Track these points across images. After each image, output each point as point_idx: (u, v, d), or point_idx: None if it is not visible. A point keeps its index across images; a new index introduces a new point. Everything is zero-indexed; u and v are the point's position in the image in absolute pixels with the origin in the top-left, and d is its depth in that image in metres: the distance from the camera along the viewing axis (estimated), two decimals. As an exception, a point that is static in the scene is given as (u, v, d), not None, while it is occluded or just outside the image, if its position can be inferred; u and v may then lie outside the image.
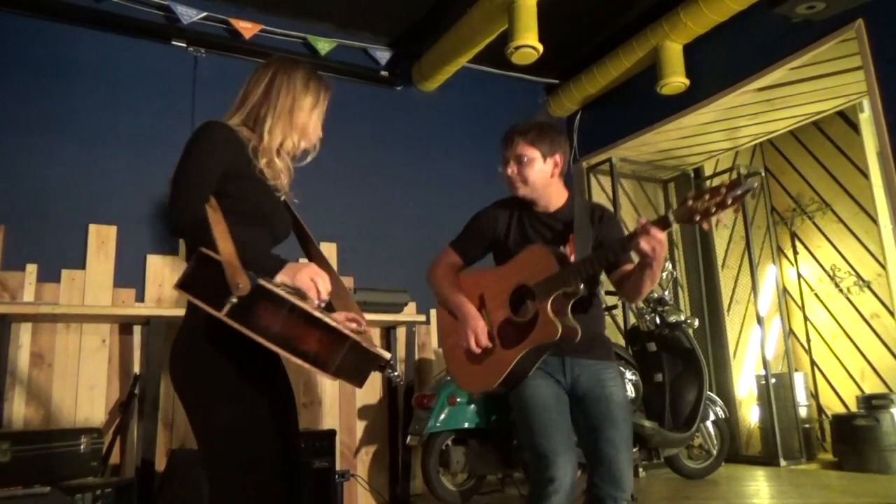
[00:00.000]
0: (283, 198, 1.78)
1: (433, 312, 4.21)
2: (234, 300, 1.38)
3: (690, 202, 1.75)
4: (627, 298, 2.14)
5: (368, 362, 1.54)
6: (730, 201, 1.69)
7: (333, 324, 1.42)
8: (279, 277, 1.51)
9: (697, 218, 1.73)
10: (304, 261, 1.74)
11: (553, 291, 1.97)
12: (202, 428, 1.54)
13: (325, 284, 1.54)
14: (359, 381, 1.54)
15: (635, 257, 1.98)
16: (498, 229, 2.24)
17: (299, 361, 1.39)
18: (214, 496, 1.52)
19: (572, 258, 2.05)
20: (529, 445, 2.05)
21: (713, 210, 1.71)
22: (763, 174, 6.10)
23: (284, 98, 1.72)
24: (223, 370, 1.53)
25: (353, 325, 1.73)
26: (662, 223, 1.80)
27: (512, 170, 2.16)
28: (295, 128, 1.74)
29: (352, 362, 1.46)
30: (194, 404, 1.55)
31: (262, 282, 1.40)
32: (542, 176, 2.16)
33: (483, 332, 2.09)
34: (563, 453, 1.98)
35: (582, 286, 2.00)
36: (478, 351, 2.08)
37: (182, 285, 1.46)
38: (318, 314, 1.41)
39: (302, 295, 1.50)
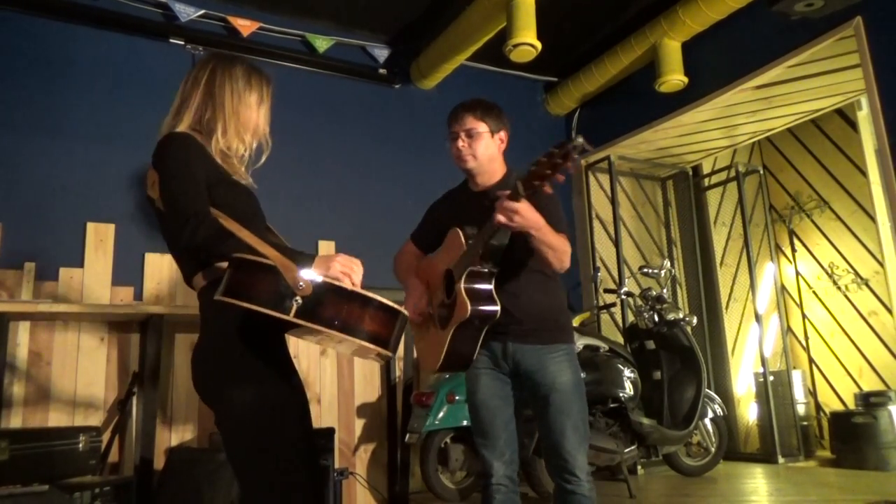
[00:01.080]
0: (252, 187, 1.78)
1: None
2: (300, 301, 1.38)
3: (532, 168, 1.77)
4: (547, 268, 2.10)
5: (406, 320, 1.58)
6: (559, 160, 1.70)
7: (388, 302, 1.46)
8: (313, 270, 1.51)
9: (536, 183, 1.77)
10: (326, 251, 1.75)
11: (463, 271, 2.03)
12: (233, 429, 1.54)
13: (358, 269, 1.55)
14: (396, 348, 1.57)
15: None
16: (440, 215, 2.34)
17: (367, 344, 1.43)
18: (248, 488, 1.53)
19: None
20: (473, 437, 2.20)
21: (547, 172, 1.74)
22: (761, 172, 6.10)
23: (229, 97, 1.69)
24: (262, 368, 1.55)
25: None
26: (513, 194, 1.83)
27: (463, 143, 2.21)
28: (246, 127, 1.72)
29: (399, 334, 1.52)
30: (224, 402, 1.55)
31: (323, 277, 1.42)
32: (490, 151, 2.23)
33: (419, 299, 2.22)
34: (493, 448, 2.11)
35: (488, 264, 2.04)
36: (417, 319, 2.20)
37: (228, 293, 1.42)
38: (381, 299, 1.45)
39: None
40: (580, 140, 1.67)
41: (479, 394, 2.15)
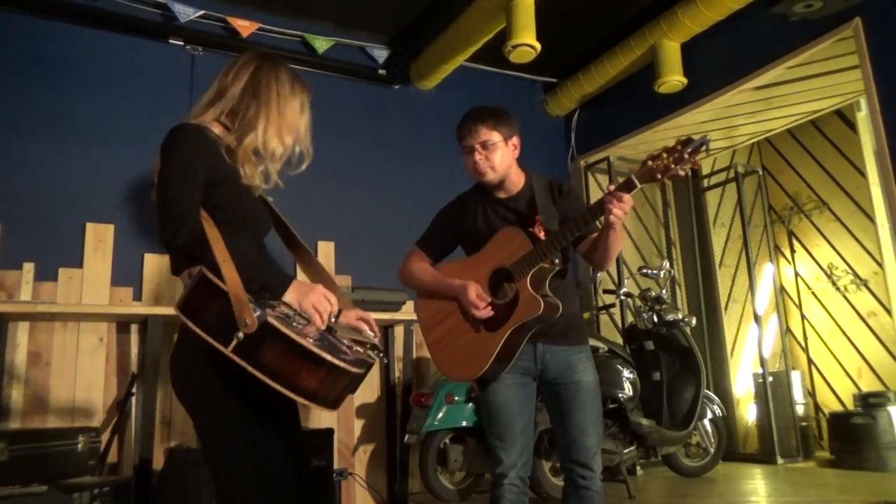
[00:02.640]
0: (258, 194, 1.73)
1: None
2: (241, 336, 1.32)
3: (650, 162, 1.86)
4: (599, 265, 2.17)
5: (354, 385, 1.51)
6: (686, 156, 1.80)
7: (339, 363, 1.37)
8: (287, 296, 1.48)
9: (658, 175, 1.84)
10: (302, 275, 1.72)
11: (531, 268, 2.03)
12: (211, 450, 1.52)
13: (333, 308, 1.52)
14: (353, 390, 1.53)
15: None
16: (464, 220, 2.29)
17: (297, 398, 1.35)
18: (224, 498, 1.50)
19: (542, 236, 2.10)
20: (487, 440, 2.17)
21: (672, 166, 1.82)
22: (760, 173, 6.11)
23: (275, 98, 1.66)
24: (226, 393, 1.48)
25: (364, 328, 1.73)
26: (627, 186, 1.90)
27: (480, 156, 2.18)
28: (290, 131, 1.69)
29: (343, 390, 1.44)
30: (202, 425, 1.53)
31: (269, 320, 1.34)
32: (507, 159, 2.22)
33: (481, 291, 2.11)
34: (511, 452, 2.10)
35: (558, 260, 2.07)
36: (483, 313, 2.08)
37: (183, 308, 1.40)
38: (325, 356, 1.35)
39: (307, 319, 1.47)
40: (708, 137, 1.78)
41: (499, 395, 2.13)
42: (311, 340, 1.36)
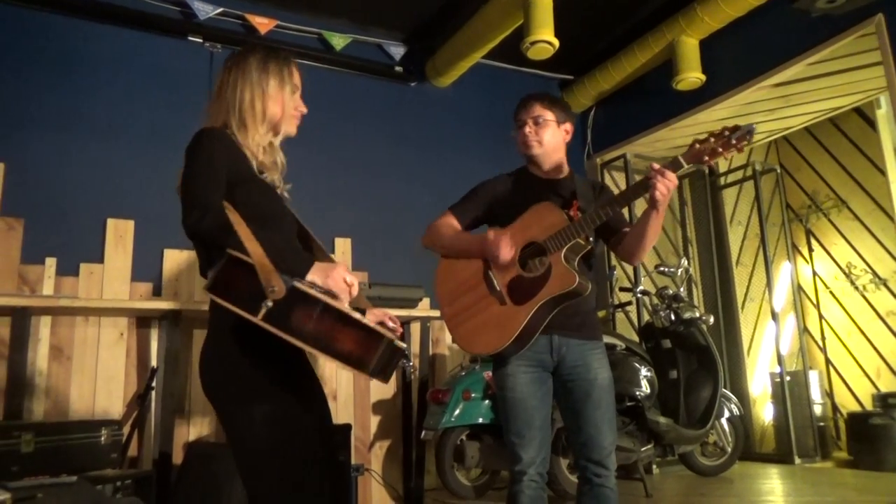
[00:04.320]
0: (282, 194, 1.75)
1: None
2: (270, 304, 1.34)
3: (698, 145, 1.89)
4: (631, 254, 2.16)
5: (396, 358, 1.52)
6: (734, 141, 1.83)
7: (370, 323, 1.40)
8: (310, 277, 1.48)
9: (706, 158, 1.88)
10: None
11: (566, 242, 2.03)
12: (239, 434, 1.51)
13: (356, 284, 1.53)
14: (386, 377, 1.54)
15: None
16: (497, 192, 2.30)
17: (338, 363, 1.36)
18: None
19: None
20: (505, 437, 2.16)
21: (719, 150, 1.86)
22: (778, 171, 6.06)
23: (248, 93, 1.67)
24: (255, 375, 1.50)
25: (391, 325, 1.74)
26: (675, 165, 1.91)
27: (530, 129, 2.23)
28: (274, 116, 1.70)
29: (384, 360, 1.44)
30: (229, 411, 1.53)
31: (297, 284, 1.37)
32: (556, 140, 2.26)
33: (509, 240, 2.08)
34: (530, 448, 2.08)
35: (592, 238, 2.09)
36: (506, 253, 2.06)
37: (213, 288, 1.42)
38: (354, 314, 1.38)
39: (333, 295, 1.47)
40: (754, 126, 1.82)
41: (517, 392, 2.11)
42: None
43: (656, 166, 1.91)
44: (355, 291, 1.53)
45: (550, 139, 2.24)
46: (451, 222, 2.28)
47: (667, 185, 1.90)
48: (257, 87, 1.68)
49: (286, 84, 1.72)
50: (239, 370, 1.50)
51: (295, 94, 1.75)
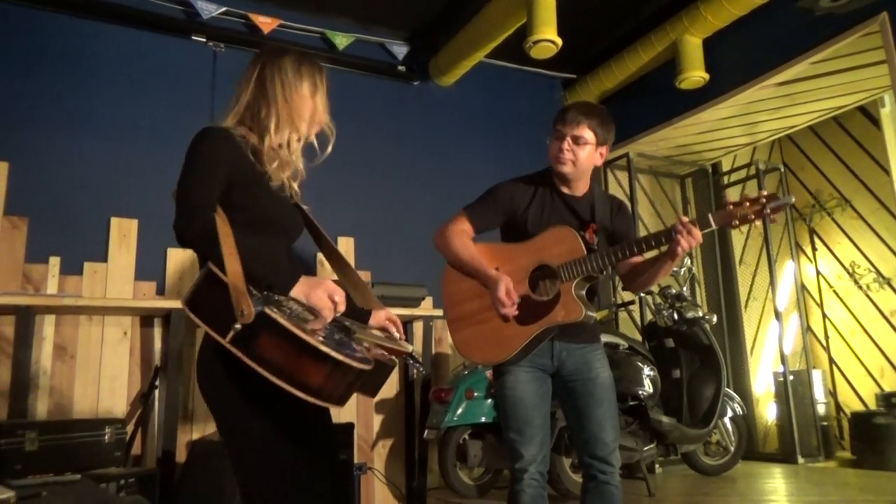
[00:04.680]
0: (290, 196, 1.73)
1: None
2: (238, 327, 1.31)
3: (731, 207, 1.88)
4: (636, 288, 2.20)
5: (380, 375, 1.50)
6: (768, 211, 1.82)
7: (340, 357, 1.33)
8: (295, 291, 1.46)
9: (736, 223, 1.87)
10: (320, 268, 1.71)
11: (579, 274, 2.02)
12: (230, 447, 1.52)
13: (340, 301, 1.49)
14: (371, 393, 1.51)
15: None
16: (517, 203, 2.23)
17: (301, 395, 1.31)
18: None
19: (592, 244, 2.12)
20: (505, 436, 2.16)
21: (751, 217, 1.84)
22: (782, 170, 6.05)
23: (279, 90, 1.64)
24: (237, 391, 1.47)
25: (392, 330, 1.74)
26: (703, 224, 1.91)
27: (568, 146, 2.16)
28: (301, 118, 1.67)
29: (361, 381, 1.41)
30: (221, 423, 1.54)
31: (267, 310, 1.32)
32: (590, 162, 2.20)
33: (513, 291, 2.06)
34: (530, 447, 2.09)
35: (605, 273, 2.09)
36: (510, 311, 2.05)
37: (189, 303, 1.40)
38: (323, 348, 1.31)
39: (316, 312, 1.46)
40: (793, 199, 1.82)
41: (518, 390, 2.12)
42: (314, 334, 1.33)
43: (685, 219, 1.91)
44: (341, 308, 1.50)
45: (585, 160, 2.17)
46: (465, 228, 2.22)
47: (690, 242, 1.91)
48: (293, 87, 1.66)
49: (319, 90, 1.72)
50: (230, 386, 1.48)
51: (324, 102, 1.74)
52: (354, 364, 1.35)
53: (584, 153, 2.15)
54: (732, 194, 5.95)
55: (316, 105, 1.71)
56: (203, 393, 1.56)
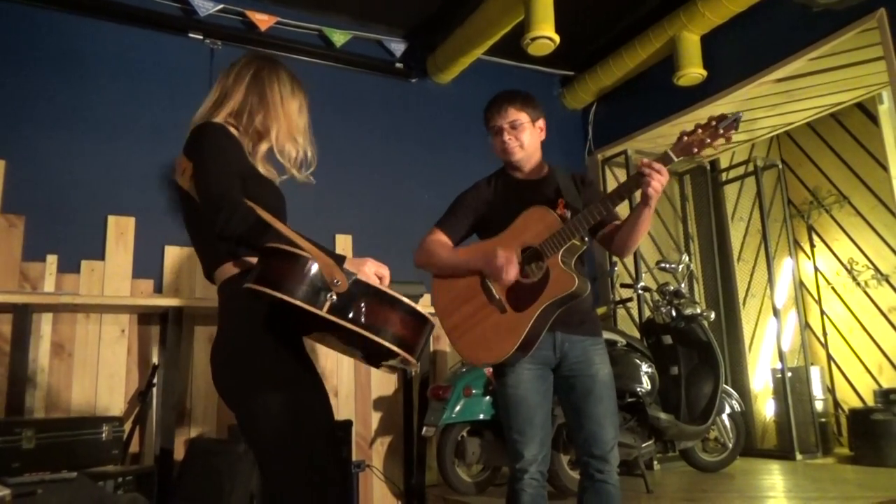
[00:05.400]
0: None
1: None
2: (335, 297, 1.37)
3: (686, 137, 1.91)
4: (621, 249, 2.14)
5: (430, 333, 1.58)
6: (721, 130, 1.85)
7: (419, 308, 1.45)
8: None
9: (695, 150, 1.90)
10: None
11: (562, 244, 2.02)
12: (260, 433, 1.53)
13: (386, 278, 1.55)
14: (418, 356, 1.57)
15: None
16: (481, 200, 2.27)
17: (394, 348, 1.40)
18: (277, 491, 1.52)
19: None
20: (506, 435, 2.16)
21: (707, 141, 1.88)
22: (780, 166, 6.05)
23: (279, 101, 1.69)
24: (290, 370, 1.54)
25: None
26: (665, 159, 1.92)
27: (509, 136, 2.21)
28: (297, 132, 1.73)
29: (426, 338, 1.51)
30: (254, 401, 1.53)
31: (359, 276, 1.41)
32: (534, 140, 2.25)
33: (510, 253, 2.06)
34: (532, 446, 2.09)
35: (587, 238, 2.09)
36: (514, 274, 2.05)
37: (261, 282, 1.40)
38: (408, 301, 1.43)
39: None
40: (741, 114, 1.85)
41: (520, 388, 2.11)
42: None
43: (647, 160, 1.91)
44: (386, 283, 1.55)
45: (529, 140, 2.22)
46: (442, 239, 2.25)
47: (659, 180, 1.90)
48: (288, 100, 1.72)
49: (303, 110, 1.78)
50: (261, 357, 1.53)
51: (308, 124, 1.79)
52: (427, 315, 1.48)
53: (525, 134, 2.21)
54: (731, 192, 5.96)
55: (303, 124, 1.77)
56: (233, 371, 1.56)
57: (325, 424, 1.59)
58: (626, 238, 2.08)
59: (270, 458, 1.53)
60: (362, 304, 1.39)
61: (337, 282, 1.37)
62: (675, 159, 1.91)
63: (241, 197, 1.51)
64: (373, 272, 1.51)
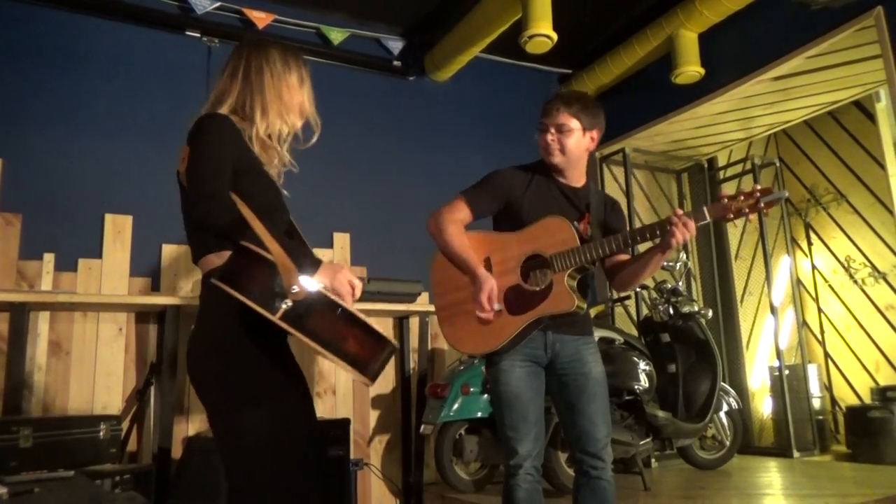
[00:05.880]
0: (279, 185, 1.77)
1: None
2: (290, 304, 1.36)
3: (726, 201, 1.89)
4: (623, 284, 2.17)
5: (388, 360, 1.54)
6: (762, 205, 1.84)
7: (377, 329, 1.44)
8: (316, 277, 1.49)
9: (730, 217, 1.88)
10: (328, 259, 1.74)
11: (572, 264, 2.03)
12: (228, 434, 1.51)
13: (358, 288, 1.56)
14: (375, 378, 1.54)
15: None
16: (515, 189, 2.22)
17: (348, 367, 1.39)
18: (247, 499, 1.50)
19: (585, 235, 2.12)
20: (500, 431, 2.16)
21: (746, 211, 1.85)
22: (777, 164, 6.06)
23: (269, 80, 1.68)
24: (257, 371, 1.51)
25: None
26: (698, 216, 1.91)
27: (552, 138, 2.17)
28: (290, 108, 1.72)
29: (383, 364, 1.48)
30: (227, 406, 1.52)
31: (321, 287, 1.40)
32: (579, 148, 2.20)
33: (495, 297, 2.07)
34: (526, 442, 2.09)
35: (598, 264, 2.10)
36: (487, 316, 2.07)
37: (224, 279, 1.41)
38: (366, 320, 1.42)
39: (339, 297, 1.49)
40: (786, 193, 1.86)
41: (513, 386, 2.11)
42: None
43: (680, 212, 1.92)
44: (358, 294, 1.55)
45: (574, 148, 2.17)
46: (461, 216, 2.20)
47: (686, 235, 1.91)
48: (282, 77, 1.70)
49: (305, 82, 1.76)
50: (240, 366, 1.50)
51: (310, 94, 1.78)
52: (393, 341, 1.47)
53: (570, 140, 2.16)
54: (728, 189, 5.95)
55: (304, 97, 1.75)
56: (205, 372, 1.54)
57: (304, 439, 1.55)
58: (633, 276, 2.12)
59: (229, 463, 1.51)
60: (318, 316, 1.38)
61: (295, 289, 1.36)
62: (709, 219, 1.91)
63: (226, 190, 1.50)
64: (346, 281, 1.51)
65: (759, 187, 1.87)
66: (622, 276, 2.15)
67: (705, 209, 1.91)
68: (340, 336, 1.39)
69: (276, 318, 1.35)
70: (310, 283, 1.38)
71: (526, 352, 2.11)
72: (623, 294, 4.95)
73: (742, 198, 1.87)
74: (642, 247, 2.13)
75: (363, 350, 1.41)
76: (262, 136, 1.67)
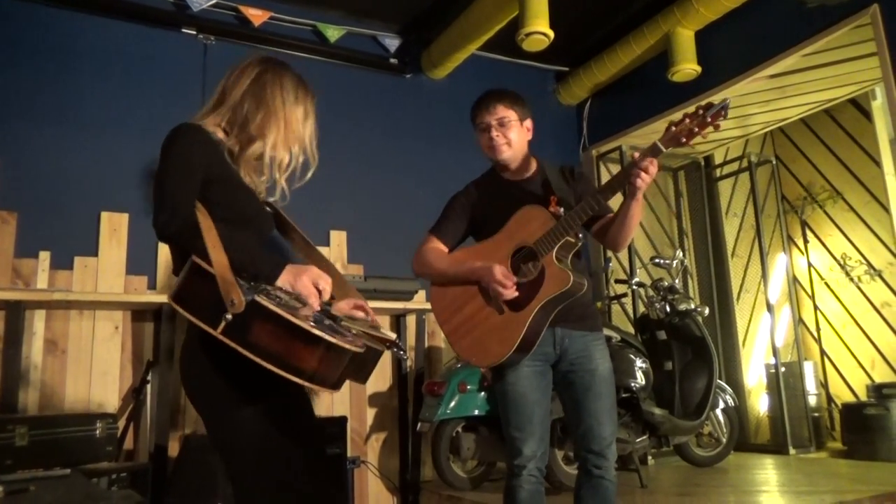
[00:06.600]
0: (261, 196, 1.73)
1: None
2: (229, 317, 1.31)
3: (673, 127, 1.89)
4: (614, 243, 2.14)
5: (371, 361, 1.51)
6: (709, 119, 1.84)
7: (333, 340, 1.34)
8: (280, 280, 1.47)
9: (683, 139, 1.88)
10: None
11: (556, 242, 2.02)
12: (220, 443, 1.52)
13: (326, 287, 1.50)
14: (362, 379, 1.51)
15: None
16: (473, 202, 2.27)
17: (297, 379, 1.32)
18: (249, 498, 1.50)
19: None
20: (505, 431, 2.16)
21: (696, 130, 1.86)
22: (774, 162, 6.06)
23: (280, 106, 1.65)
24: (224, 382, 1.48)
25: (360, 314, 1.72)
26: (654, 151, 1.90)
27: (496, 133, 2.19)
28: (295, 138, 1.69)
29: (353, 367, 1.43)
30: (208, 419, 1.53)
31: (257, 298, 1.32)
32: (522, 139, 2.23)
33: (507, 270, 2.06)
34: (531, 443, 2.09)
35: (581, 235, 2.09)
36: (511, 292, 2.03)
37: (176, 298, 1.39)
38: (317, 332, 1.32)
39: (301, 300, 1.46)
40: (728, 101, 1.83)
41: (520, 386, 2.10)
42: (305, 320, 1.34)
43: (636, 154, 1.92)
44: (326, 295, 1.51)
45: (517, 138, 2.21)
46: (438, 246, 2.25)
47: (650, 172, 1.90)
48: (290, 109, 1.67)
49: (309, 118, 1.73)
50: (217, 377, 1.49)
51: (313, 130, 1.75)
52: (347, 346, 1.36)
53: (513, 132, 2.20)
54: (725, 188, 5.97)
55: (305, 132, 1.72)
56: (188, 388, 1.55)
57: (291, 447, 1.54)
58: (617, 233, 2.08)
59: (230, 471, 1.52)
60: (259, 328, 1.32)
61: (233, 302, 1.31)
62: (664, 150, 1.90)
63: (189, 200, 1.48)
64: (309, 283, 1.47)
65: (701, 103, 1.88)
66: (610, 236, 2.11)
67: (658, 142, 1.90)
68: (287, 350, 1.31)
69: (217, 333, 1.32)
70: (249, 294, 1.32)
71: (535, 349, 2.09)
72: (620, 292, 4.96)
73: (688, 120, 1.87)
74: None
75: (316, 363, 1.33)
76: (252, 157, 1.64)
